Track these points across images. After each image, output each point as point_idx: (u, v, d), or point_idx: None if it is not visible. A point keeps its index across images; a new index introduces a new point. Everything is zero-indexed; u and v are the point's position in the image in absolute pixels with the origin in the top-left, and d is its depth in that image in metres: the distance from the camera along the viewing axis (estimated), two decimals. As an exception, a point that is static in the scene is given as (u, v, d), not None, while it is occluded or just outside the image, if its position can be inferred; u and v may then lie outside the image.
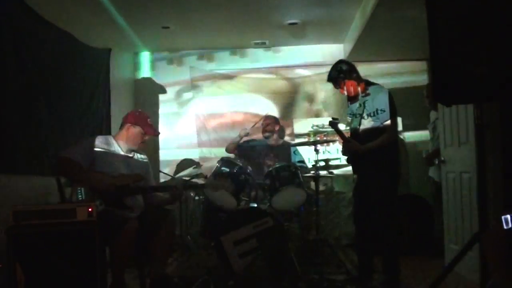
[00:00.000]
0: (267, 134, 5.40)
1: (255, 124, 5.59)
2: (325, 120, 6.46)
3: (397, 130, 3.70)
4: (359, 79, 3.80)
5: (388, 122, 3.61)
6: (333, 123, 3.71)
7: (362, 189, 3.80)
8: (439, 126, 4.53)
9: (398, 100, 3.74)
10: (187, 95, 6.80)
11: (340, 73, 3.77)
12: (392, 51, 6.08)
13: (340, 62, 3.88)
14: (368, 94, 3.72)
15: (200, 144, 6.64)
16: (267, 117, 5.52)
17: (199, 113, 6.71)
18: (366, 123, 3.69)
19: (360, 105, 3.75)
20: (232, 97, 6.74)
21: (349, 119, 3.94)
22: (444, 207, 4.41)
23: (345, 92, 3.82)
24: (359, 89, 3.78)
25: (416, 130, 6.25)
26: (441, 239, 4.46)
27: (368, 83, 3.81)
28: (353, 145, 3.69)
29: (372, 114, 3.66)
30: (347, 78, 3.76)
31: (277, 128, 5.47)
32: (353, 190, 4.00)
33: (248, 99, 6.71)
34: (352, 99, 3.87)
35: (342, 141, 3.79)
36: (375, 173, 3.61)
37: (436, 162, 4.73)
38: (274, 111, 6.07)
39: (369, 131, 3.66)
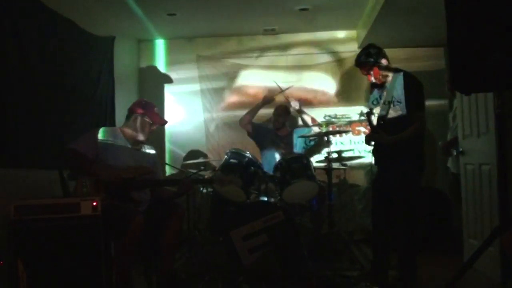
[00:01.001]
0: (278, 125, 5.42)
1: (282, 91, 5.59)
2: (337, 110, 6.49)
3: (426, 121, 3.65)
4: (388, 65, 3.76)
5: (418, 113, 3.58)
6: (369, 114, 3.70)
7: (383, 181, 3.77)
8: (458, 115, 4.49)
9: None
10: (194, 86, 6.80)
11: (369, 58, 3.71)
12: (408, 37, 6.01)
13: (370, 46, 3.81)
14: (397, 80, 3.68)
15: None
16: (279, 107, 5.52)
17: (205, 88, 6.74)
18: (394, 112, 3.66)
19: (388, 92, 3.71)
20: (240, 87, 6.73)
21: (372, 106, 3.91)
22: (463, 200, 4.38)
23: (373, 78, 3.77)
24: (388, 75, 3.75)
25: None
26: (460, 233, 4.43)
27: (397, 70, 3.76)
28: (382, 136, 3.66)
29: (400, 103, 3.62)
30: (376, 64, 3.72)
31: (287, 119, 5.48)
32: (373, 182, 3.97)
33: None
34: (377, 86, 3.83)
35: (370, 131, 3.76)
36: (399, 166, 3.59)
37: (454, 152, 4.69)
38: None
39: (396, 120, 3.63)
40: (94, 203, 2.79)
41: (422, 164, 3.67)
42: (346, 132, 6.09)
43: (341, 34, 6.64)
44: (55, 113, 4.15)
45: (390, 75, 3.73)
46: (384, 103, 3.72)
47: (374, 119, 3.75)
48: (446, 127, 5.28)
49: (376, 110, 3.82)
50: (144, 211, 3.35)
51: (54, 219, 2.73)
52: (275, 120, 5.44)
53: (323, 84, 6.60)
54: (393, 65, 3.78)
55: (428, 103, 3.89)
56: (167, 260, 3.45)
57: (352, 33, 6.59)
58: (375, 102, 3.85)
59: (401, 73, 3.70)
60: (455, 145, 4.59)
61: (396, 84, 3.66)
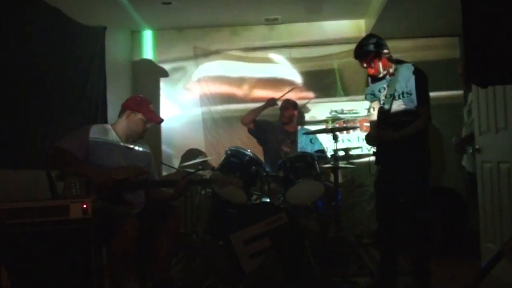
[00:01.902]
0: (285, 120, 5.41)
1: (284, 94, 5.59)
2: (344, 105, 6.46)
3: (431, 115, 3.64)
4: (389, 56, 3.74)
5: (422, 105, 3.57)
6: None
7: (386, 180, 3.76)
8: (474, 110, 4.47)
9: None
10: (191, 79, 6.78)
11: (370, 49, 3.70)
12: (419, 26, 5.98)
13: (369, 36, 3.82)
14: (400, 72, 3.66)
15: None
16: (286, 102, 5.53)
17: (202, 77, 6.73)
18: (397, 106, 3.65)
19: (389, 85, 3.69)
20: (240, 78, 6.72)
21: (370, 100, 3.90)
22: (480, 201, 4.36)
23: (373, 71, 3.76)
24: (392, 66, 3.72)
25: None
26: (477, 236, 4.41)
27: (399, 62, 3.75)
28: (387, 132, 3.63)
29: (404, 96, 3.61)
30: (377, 55, 3.70)
31: (295, 113, 5.49)
32: (375, 182, 3.96)
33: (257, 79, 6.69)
34: (377, 78, 3.82)
35: (371, 128, 3.75)
36: (406, 163, 3.58)
37: (470, 150, 4.67)
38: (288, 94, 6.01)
39: (400, 114, 3.62)
40: (84, 206, 2.76)
41: (429, 159, 3.66)
42: (353, 128, 6.06)
43: (348, 23, 6.61)
44: (42, 110, 4.13)
45: (392, 67, 3.71)
46: (386, 96, 3.71)
47: (376, 114, 3.75)
48: (460, 122, 5.25)
49: (374, 105, 3.82)
50: (138, 214, 3.34)
51: (41, 223, 2.69)
52: (281, 114, 5.44)
53: (329, 77, 6.57)
54: (398, 56, 3.78)
55: (440, 95, 3.88)
56: (163, 267, 3.43)
57: (359, 22, 6.56)
58: (371, 97, 3.85)
59: (404, 65, 3.69)
60: (471, 142, 4.56)
61: (399, 77, 3.64)
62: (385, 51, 3.70)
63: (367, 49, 3.71)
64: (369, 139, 3.94)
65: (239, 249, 3.90)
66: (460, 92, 6.09)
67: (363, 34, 6.32)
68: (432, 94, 3.74)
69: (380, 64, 3.71)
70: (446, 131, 5.95)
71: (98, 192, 3.13)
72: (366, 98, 3.97)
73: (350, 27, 6.57)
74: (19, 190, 3.71)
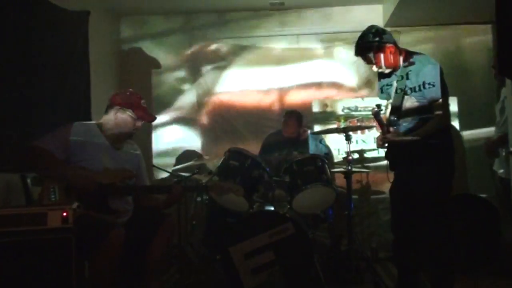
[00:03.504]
0: (287, 134, 5.46)
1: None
2: (358, 102, 6.45)
3: (449, 111, 3.62)
4: (396, 48, 3.72)
5: (438, 100, 3.54)
6: (377, 112, 3.63)
7: (402, 189, 3.74)
8: (508, 107, 4.45)
9: (451, 76, 3.67)
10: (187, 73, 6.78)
11: (371, 43, 3.69)
12: (446, 11, 5.98)
13: (370, 28, 3.80)
14: (410, 64, 3.64)
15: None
16: (290, 115, 5.54)
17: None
18: (409, 102, 3.63)
19: (401, 77, 3.67)
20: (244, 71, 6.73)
21: (381, 97, 3.88)
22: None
23: (376, 68, 3.74)
24: (400, 59, 3.71)
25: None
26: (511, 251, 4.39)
27: (409, 53, 3.73)
28: (395, 135, 3.61)
29: (416, 89, 3.58)
30: (379, 48, 3.68)
31: (300, 129, 5.51)
32: (390, 189, 3.95)
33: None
34: (386, 74, 3.81)
35: (381, 131, 3.72)
36: (421, 168, 3.56)
37: (503, 153, 4.65)
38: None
39: (413, 112, 3.60)
40: (64, 214, 2.77)
41: (452, 163, 3.63)
42: (369, 128, 6.03)
43: (363, 10, 6.59)
44: (15, 104, 4.12)
45: (400, 59, 3.70)
46: (396, 92, 3.69)
47: (388, 112, 3.73)
48: (491, 122, 5.23)
49: (386, 104, 3.80)
50: (126, 223, 3.35)
51: (15, 233, 2.69)
52: (283, 128, 5.45)
53: (341, 71, 6.56)
54: (421, 47, 3.75)
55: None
56: (153, 283, 3.42)
57: (377, 8, 6.54)
58: (383, 94, 3.83)
59: (415, 56, 3.67)
60: (504, 144, 4.54)
61: (408, 70, 3.62)
62: (389, 42, 3.68)
63: (367, 42, 3.70)
64: (379, 144, 3.90)
65: (240, 263, 3.90)
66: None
67: (380, 22, 6.34)
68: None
69: (384, 58, 3.68)
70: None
71: (80, 199, 3.13)
72: (380, 96, 3.95)
73: (365, 14, 6.53)
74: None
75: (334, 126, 5.92)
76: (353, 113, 6.46)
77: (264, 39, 6.71)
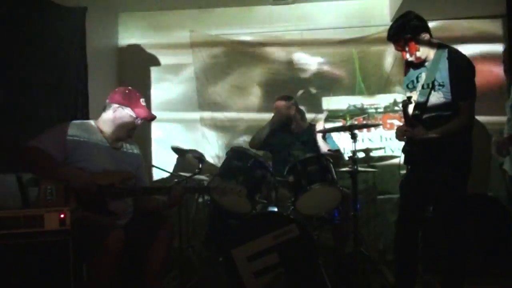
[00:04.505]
0: (284, 121, 5.37)
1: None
2: (364, 99, 6.44)
3: (474, 111, 3.59)
4: (430, 39, 3.68)
5: (466, 103, 3.51)
6: (406, 103, 3.62)
7: (415, 184, 3.73)
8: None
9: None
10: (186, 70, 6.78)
11: (406, 29, 3.63)
12: (455, 5, 5.97)
13: (407, 14, 3.74)
14: (440, 60, 3.62)
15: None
16: (280, 99, 5.46)
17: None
18: (435, 98, 3.60)
19: (428, 73, 3.64)
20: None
21: (407, 90, 3.85)
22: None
23: (408, 56, 3.69)
24: (430, 52, 3.68)
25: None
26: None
27: (441, 46, 3.69)
28: (419, 131, 3.59)
29: (443, 86, 3.56)
30: (414, 37, 3.64)
31: (293, 111, 5.42)
32: (401, 184, 3.93)
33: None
34: (414, 65, 3.77)
35: (404, 125, 3.69)
36: (442, 168, 3.55)
37: (513, 152, 4.65)
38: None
39: (438, 108, 3.58)
40: (62, 216, 2.77)
41: (470, 164, 3.62)
42: (375, 126, 6.04)
43: (369, 3, 6.58)
44: (11, 103, 4.12)
45: (432, 52, 3.66)
46: (423, 87, 3.66)
47: (411, 109, 3.70)
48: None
49: (413, 96, 3.76)
50: (125, 225, 3.35)
51: (10, 236, 2.69)
52: (277, 117, 5.40)
53: (347, 66, 6.55)
54: (436, 40, 3.72)
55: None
56: (154, 286, 3.42)
57: (383, 2, 6.53)
58: (410, 86, 3.79)
59: (446, 50, 3.63)
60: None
61: (439, 64, 3.59)
62: (424, 33, 3.63)
63: (401, 30, 3.64)
64: (400, 134, 3.86)
65: (242, 266, 3.90)
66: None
67: (387, 16, 6.34)
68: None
69: (416, 48, 3.63)
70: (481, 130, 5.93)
71: (78, 200, 3.13)
72: (405, 88, 3.89)
73: (371, 8, 6.54)
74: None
75: (339, 124, 5.92)
76: (359, 110, 6.45)
77: (269, 34, 6.70)
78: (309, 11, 6.68)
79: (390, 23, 3.80)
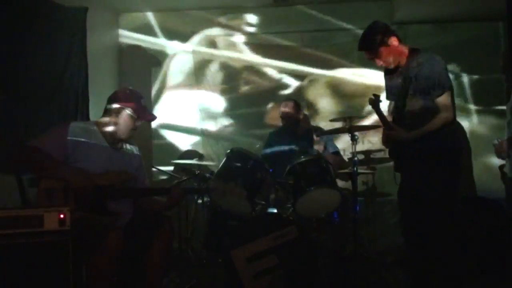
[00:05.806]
0: (289, 125, 5.39)
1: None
2: (364, 100, 6.44)
3: (454, 107, 3.60)
4: (400, 45, 3.72)
5: (443, 98, 3.53)
6: (374, 101, 3.63)
7: (409, 190, 3.74)
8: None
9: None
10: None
11: (373, 38, 3.68)
12: (457, 8, 5.97)
13: (373, 23, 3.80)
14: (415, 65, 3.63)
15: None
16: (286, 103, 5.45)
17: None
18: (413, 103, 3.62)
19: (405, 79, 3.67)
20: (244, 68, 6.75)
21: (390, 99, 3.88)
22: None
23: (382, 63, 3.74)
24: (404, 56, 3.71)
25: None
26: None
27: (414, 50, 3.73)
28: (398, 132, 3.61)
29: (422, 91, 3.57)
30: (383, 44, 3.68)
31: (300, 116, 5.44)
32: (398, 191, 3.94)
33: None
34: (391, 72, 3.81)
35: (383, 127, 3.72)
36: (427, 168, 3.55)
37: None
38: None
39: (418, 113, 3.59)
40: (62, 216, 2.76)
41: (458, 163, 3.62)
42: (375, 128, 6.02)
43: (372, 5, 6.59)
44: (11, 103, 4.12)
45: (404, 56, 3.69)
46: (402, 93, 3.68)
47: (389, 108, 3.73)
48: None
49: (397, 103, 3.78)
50: (125, 226, 3.33)
51: (10, 236, 2.69)
52: (284, 122, 5.42)
53: (347, 68, 6.56)
54: (406, 45, 3.75)
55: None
56: (154, 286, 3.42)
57: (385, 5, 6.54)
58: (390, 94, 3.85)
59: (420, 54, 3.66)
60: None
61: (414, 68, 3.61)
62: (392, 39, 3.67)
63: (368, 40, 3.70)
64: (384, 141, 3.90)
65: (241, 267, 3.89)
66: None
67: (389, 19, 6.33)
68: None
69: (388, 53, 3.68)
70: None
71: (78, 200, 3.13)
72: (387, 99, 3.93)
73: (374, 10, 6.53)
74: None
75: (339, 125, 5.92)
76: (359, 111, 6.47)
77: (269, 35, 6.71)
78: (310, 13, 6.68)
79: (387, 24, 3.83)
